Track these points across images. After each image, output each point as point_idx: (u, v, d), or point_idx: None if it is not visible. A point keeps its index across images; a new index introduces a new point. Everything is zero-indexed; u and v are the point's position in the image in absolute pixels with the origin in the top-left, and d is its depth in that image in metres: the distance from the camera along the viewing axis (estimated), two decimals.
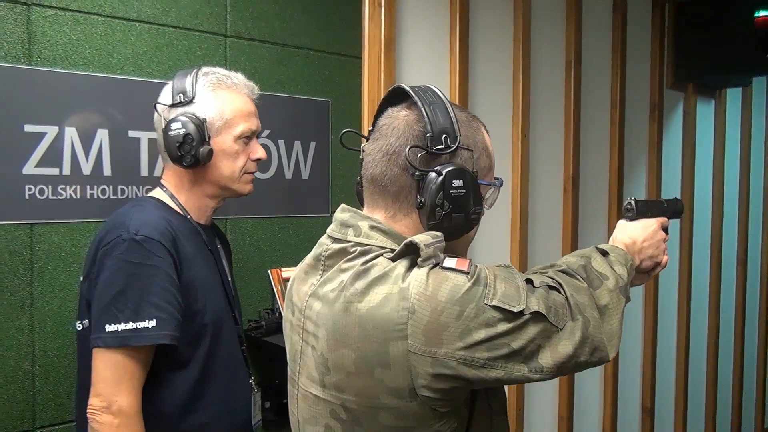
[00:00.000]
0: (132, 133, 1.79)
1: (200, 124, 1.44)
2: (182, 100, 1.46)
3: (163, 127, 1.45)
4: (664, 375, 3.59)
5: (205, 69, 1.52)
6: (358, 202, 1.13)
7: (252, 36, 1.99)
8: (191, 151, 1.42)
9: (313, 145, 2.13)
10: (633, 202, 1.34)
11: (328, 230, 1.07)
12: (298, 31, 2.08)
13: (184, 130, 1.42)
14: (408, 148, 0.98)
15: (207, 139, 1.45)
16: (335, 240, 1.03)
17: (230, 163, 1.50)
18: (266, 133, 2.03)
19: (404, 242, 0.95)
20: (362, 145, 1.08)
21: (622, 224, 1.33)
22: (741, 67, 3.40)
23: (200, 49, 1.89)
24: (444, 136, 0.98)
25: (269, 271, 2.04)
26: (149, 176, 1.82)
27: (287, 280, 2.05)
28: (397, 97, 1.05)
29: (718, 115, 3.83)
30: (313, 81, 2.12)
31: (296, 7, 2.07)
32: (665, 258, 1.33)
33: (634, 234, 1.28)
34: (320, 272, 1.03)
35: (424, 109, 0.99)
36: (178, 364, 1.41)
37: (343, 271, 0.98)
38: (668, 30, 3.43)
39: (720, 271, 3.92)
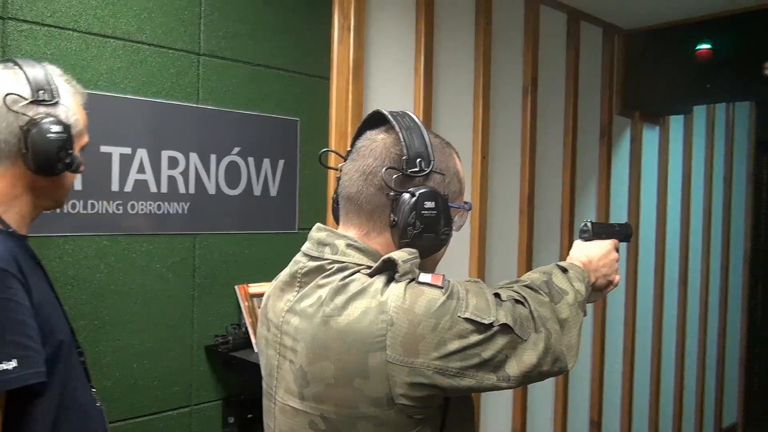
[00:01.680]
0: (104, 149, 1.81)
1: (69, 129, 1.26)
2: (45, 98, 1.25)
3: (23, 124, 1.22)
4: (611, 390, 3.71)
5: (45, 64, 1.31)
6: (325, 220, 1.18)
7: (224, 55, 2.03)
8: (66, 158, 1.25)
9: (281, 162, 2.18)
10: (589, 225, 1.43)
11: (304, 248, 1.10)
12: (269, 52, 2.13)
13: (65, 134, 1.23)
14: (384, 169, 1.03)
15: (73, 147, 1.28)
16: (312, 258, 1.07)
17: (74, 175, 1.34)
18: (236, 150, 2.07)
19: (382, 259, 0.99)
20: (339, 164, 1.13)
21: (578, 244, 1.40)
22: (683, 96, 3.56)
23: (173, 66, 1.93)
24: (419, 159, 1.04)
25: (236, 287, 2.07)
26: (120, 191, 1.84)
27: (254, 295, 2.08)
28: (375, 120, 1.11)
29: (662, 141, 4.01)
30: (283, 100, 2.17)
31: (268, 28, 2.13)
32: (617, 277, 1.41)
33: (591, 253, 1.35)
34: (296, 289, 1.06)
35: (402, 133, 1.04)
36: (35, 395, 1.19)
37: (321, 287, 1.02)
38: (617, 60, 3.60)
39: (663, 290, 4.09)
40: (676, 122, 4.13)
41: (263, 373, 1.14)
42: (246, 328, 2.05)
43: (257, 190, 2.13)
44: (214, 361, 2.05)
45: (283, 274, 1.12)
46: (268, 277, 2.09)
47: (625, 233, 1.48)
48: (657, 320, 4.05)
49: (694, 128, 4.31)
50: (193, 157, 1.98)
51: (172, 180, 1.94)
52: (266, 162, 2.14)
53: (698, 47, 3.26)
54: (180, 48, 1.94)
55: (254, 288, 2.09)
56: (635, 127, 3.75)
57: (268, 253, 2.15)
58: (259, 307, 2.05)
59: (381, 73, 2.39)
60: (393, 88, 2.44)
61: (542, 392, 3.22)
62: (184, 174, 1.96)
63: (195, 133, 1.98)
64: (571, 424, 3.41)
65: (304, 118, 2.22)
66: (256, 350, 2.00)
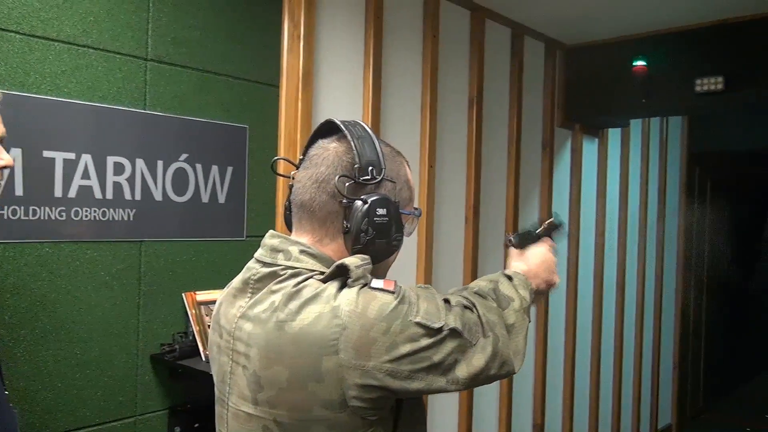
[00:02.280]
0: (47, 153, 1.77)
1: None
2: None
3: None
4: (553, 393, 3.82)
5: None
6: (274, 227, 1.20)
7: (173, 61, 2.02)
8: None
9: (230, 170, 2.17)
10: (512, 239, 1.44)
11: (257, 255, 1.11)
12: (218, 59, 2.13)
13: None
14: (337, 177, 1.05)
15: None
16: (265, 264, 1.08)
17: None
18: (184, 156, 2.05)
19: (335, 264, 1.02)
20: (292, 172, 1.14)
21: (516, 253, 1.43)
22: (620, 110, 3.71)
23: (120, 71, 1.90)
24: (370, 168, 1.06)
25: (184, 294, 2.05)
26: (63, 197, 1.80)
27: (202, 303, 2.07)
28: (327, 129, 1.13)
29: (600, 153, 4.16)
30: (232, 107, 2.17)
31: (218, 34, 2.13)
32: (557, 278, 1.46)
33: (529, 261, 1.38)
34: (249, 295, 1.07)
35: (354, 142, 1.07)
36: None
37: (274, 292, 1.03)
38: (559, 74, 3.72)
39: (602, 295, 4.23)
40: (614, 135, 4.29)
41: (215, 379, 1.15)
42: (193, 336, 2.03)
43: (205, 197, 2.11)
44: (159, 370, 2.02)
45: (236, 281, 1.13)
46: (216, 285, 2.08)
47: (552, 230, 1.48)
48: (596, 325, 4.18)
49: (630, 141, 4.48)
50: (140, 163, 1.96)
51: (117, 186, 1.91)
52: (214, 169, 2.13)
53: (635, 63, 3.39)
54: (127, 53, 1.92)
55: (202, 295, 2.08)
56: (576, 138, 3.88)
57: (216, 260, 2.14)
58: (207, 315, 2.03)
59: (330, 82, 2.42)
60: (342, 98, 2.47)
61: (487, 396, 3.29)
62: (130, 180, 1.94)
63: (142, 139, 1.96)
64: (515, 427, 3.49)
65: (253, 125, 2.23)
66: (203, 358, 1.98)
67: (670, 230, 5.15)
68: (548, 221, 1.51)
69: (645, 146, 4.70)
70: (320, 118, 1.16)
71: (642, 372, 4.78)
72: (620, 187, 4.41)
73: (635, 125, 4.52)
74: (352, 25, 2.50)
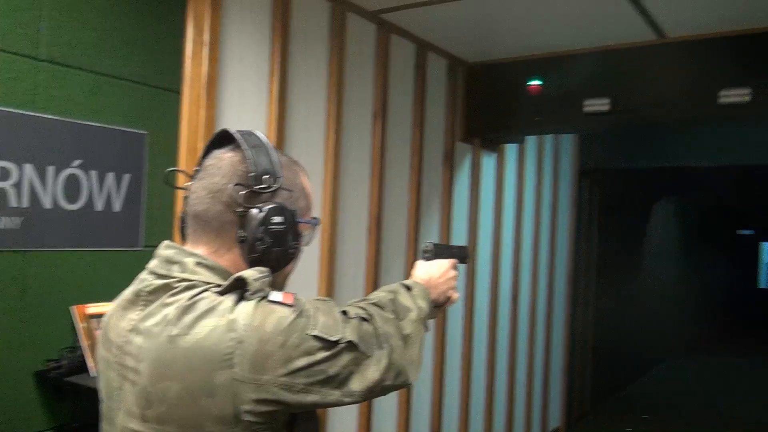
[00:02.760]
0: None
1: None
2: None
3: None
4: (450, 402, 3.92)
5: None
6: (173, 237, 1.17)
7: (67, 62, 1.93)
8: None
9: (127, 177, 2.09)
10: (431, 246, 1.53)
11: (150, 266, 1.08)
12: (117, 62, 2.05)
13: None
14: (232, 186, 1.04)
15: None
16: (159, 276, 1.05)
17: None
18: (77, 162, 1.96)
19: (233, 277, 1.00)
20: (186, 183, 1.12)
21: (420, 263, 1.48)
22: (517, 127, 3.87)
23: (8, 71, 1.80)
24: (266, 176, 1.06)
25: (72, 308, 1.96)
26: None
27: (93, 316, 1.98)
28: (222, 139, 1.12)
29: (498, 167, 4.33)
30: (131, 112, 2.10)
31: (117, 37, 2.05)
32: (456, 294, 1.52)
33: (431, 272, 1.43)
34: (141, 308, 1.04)
35: (248, 151, 1.06)
36: None
37: (167, 305, 1.01)
38: (460, 90, 3.84)
39: (497, 305, 4.39)
40: (511, 150, 4.48)
41: (102, 396, 1.10)
42: (82, 352, 1.94)
43: (99, 205, 2.03)
44: (44, 387, 1.91)
45: (126, 293, 1.09)
46: (110, 297, 1.98)
47: (463, 255, 1.59)
48: (491, 333, 4.33)
49: (526, 156, 4.69)
50: (28, 168, 1.85)
51: (2, 192, 1.80)
52: (110, 176, 2.05)
53: (530, 83, 3.56)
54: (16, 51, 1.82)
55: (93, 308, 1.99)
56: (475, 153, 4.02)
57: (109, 271, 2.06)
58: (98, 329, 1.94)
59: (235, 90, 2.39)
60: (247, 107, 2.44)
61: (386, 405, 3.33)
62: (17, 186, 1.83)
63: (30, 143, 1.86)
64: None
65: (153, 132, 2.16)
66: (93, 374, 1.90)
67: (560, 243, 5.42)
68: (464, 246, 1.60)
69: (539, 162, 4.94)
70: (223, 126, 1.14)
71: (533, 378, 4.98)
72: (516, 201, 4.60)
73: (530, 141, 4.73)
74: (258, 35, 2.48)
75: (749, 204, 11.61)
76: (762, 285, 15.98)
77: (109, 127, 2.04)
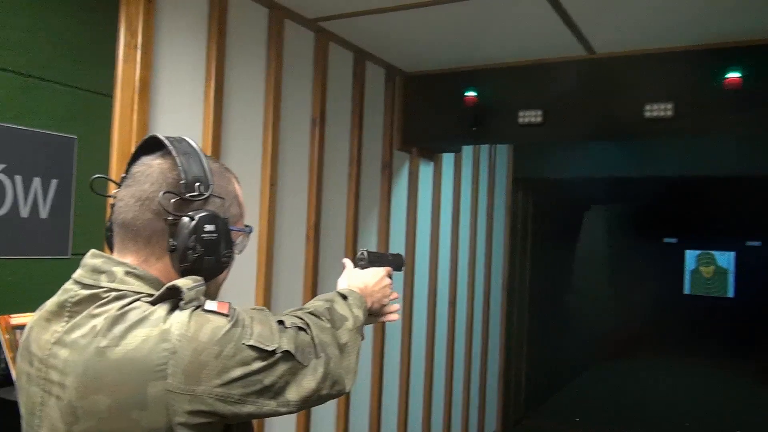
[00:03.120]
0: None
1: None
2: None
3: None
4: (388, 410, 3.93)
5: None
6: (103, 244, 1.14)
7: None
8: None
9: (54, 182, 2.02)
10: (366, 253, 1.53)
11: (76, 276, 1.05)
12: (45, 63, 1.98)
13: None
14: (162, 193, 1.02)
15: None
16: (85, 286, 1.02)
17: None
18: (1, 167, 1.89)
19: (166, 286, 0.99)
20: (113, 191, 1.10)
21: (355, 271, 1.50)
22: (453, 136, 3.94)
23: None
24: (197, 184, 1.04)
25: None
26: None
27: (18, 327, 1.90)
28: (151, 145, 1.09)
29: (435, 176, 4.39)
30: (59, 116, 2.03)
31: (46, 38, 1.98)
32: (395, 315, 1.53)
33: (366, 280, 1.45)
34: (66, 319, 1.01)
35: (179, 158, 1.05)
36: None
37: (95, 316, 0.98)
38: (398, 99, 3.89)
39: (435, 311, 4.44)
40: (447, 159, 4.55)
41: (23, 411, 1.06)
42: (6, 364, 1.86)
43: (24, 212, 1.95)
44: None
45: (49, 304, 1.05)
46: (36, 307, 1.92)
47: (397, 263, 1.61)
48: (429, 339, 4.37)
49: (462, 165, 4.78)
50: None
51: None
52: (36, 181, 1.98)
53: (466, 94, 3.62)
54: None
55: (17, 319, 1.90)
56: (413, 162, 4.07)
57: (36, 280, 1.97)
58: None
59: (169, 94, 2.34)
60: (182, 112, 2.40)
61: (325, 412, 3.31)
62: None
63: None
64: None
65: (83, 136, 2.09)
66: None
67: (496, 250, 5.53)
68: (398, 254, 1.61)
69: (475, 171, 5.03)
70: (157, 131, 1.12)
71: (471, 383, 5.06)
72: (453, 210, 4.67)
73: (467, 151, 4.83)
74: (193, 39, 2.45)
75: (674, 213, 12.15)
76: (687, 291, 16.71)
77: (36, 130, 1.97)
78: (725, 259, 16.31)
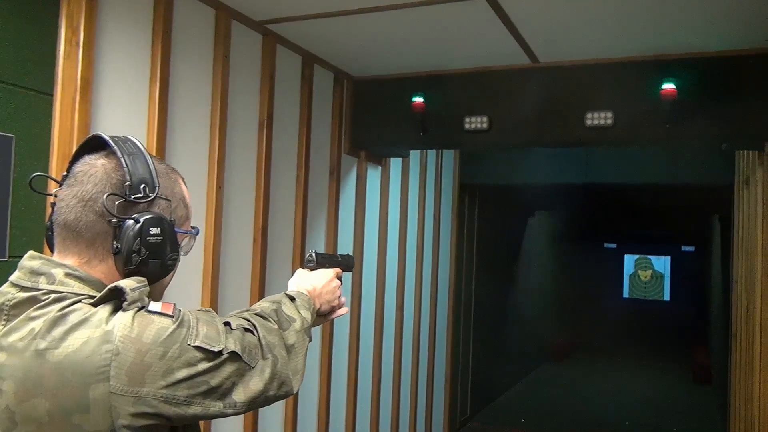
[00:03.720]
0: None
1: None
2: None
3: None
4: (336, 415, 3.92)
5: None
6: (42, 247, 1.12)
7: None
8: None
9: None
10: (314, 255, 1.54)
11: (13, 278, 1.02)
12: None
13: None
14: (105, 195, 1.01)
15: None
16: (23, 288, 0.99)
17: None
18: None
19: (108, 287, 0.97)
20: (54, 190, 1.07)
21: (302, 273, 1.50)
22: (401, 141, 3.98)
23: None
24: (143, 185, 1.03)
25: None
26: None
27: None
28: (94, 145, 1.07)
29: (383, 180, 4.42)
30: None
31: None
32: (344, 309, 1.54)
33: (315, 281, 1.45)
34: (2, 323, 0.98)
35: (124, 158, 1.03)
36: None
37: (33, 319, 0.96)
38: (346, 104, 3.90)
39: (383, 316, 4.46)
40: (395, 163, 4.59)
41: None
42: None
43: None
44: None
45: None
46: None
47: (347, 264, 1.62)
48: (377, 344, 4.39)
49: (410, 170, 4.83)
50: None
51: None
52: None
53: (414, 99, 3.66)
54: None
55: None
56: (361, 166, 4.08)
57: None
58: None
59: (112, 94, 2.29)
60: (125, 111, 2.35)
61: (272, 419, 3.28)
62: None
63: None
64: None
65: (21, 135, 2.03)
66: None
67: (443, 254, 5.60)
68: (348, 254, 1.62)
69: (423, 176, 5.09)
70: (99, 131, 1.10)
71: (418, 387, 5.10)
72: (400, 214, 4.71)
73: (414, 156, 4.88)
74: (137, 37, 2.40)
75: (613, 219, 12.55)
76: (625, 295, 17.26)
77: None
78: (661, 263, 16.95)
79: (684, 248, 15.94)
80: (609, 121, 3.29)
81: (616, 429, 6.49)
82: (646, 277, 17.06)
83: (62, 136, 2.10)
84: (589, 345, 12.19)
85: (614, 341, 12.98)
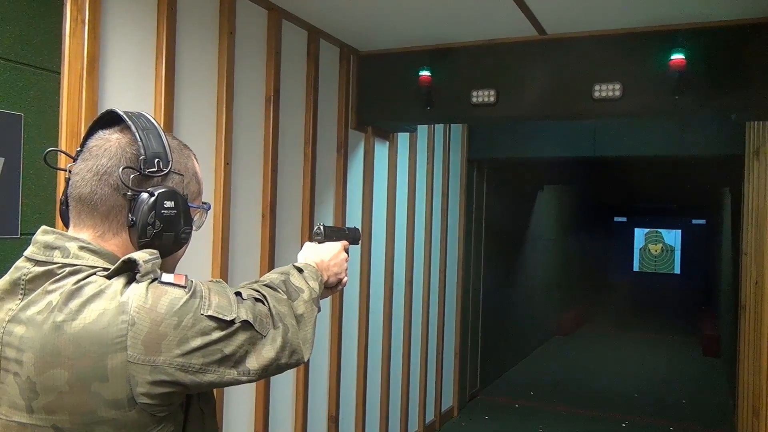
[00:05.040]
0: None
1: None
2: None
3: None
4: (346, 385, 3.98)
5: None
6: (54, 223, 1.13)
7: None
8: None
9: (1, 161, 1.97)
10: (322, 228, 1.56)
11: (28, 253, 1.04)
12: None
13: None
14: (121, 169, 1.03)
15: None
16: (38, 263, 1.01)
17: None
18: None
19: (122, 259, 0.99)
20: (68, 165, 1.09)
21: (311, 246, 1.51)
22: (408, 116, 3.97)
23: None
24: (157, 160, 1.05)
25: None
26: None
27: None
28: (109, 120, 1.09)
29: (390, 155, 4.41)
30: (4, 93, 1.97)
31: None
32: (346, 277, 1.56)
33: (323, 254, 1.47)
34: (20, 297, 1.00)
35: (138, 133, 1.05)
36: None
37: (50, 292, 0.98)
38: (353, 79, 3.89)
39: (392, 290, 4.50)
40: (402, 138, 4.58)
41: None
42: None
43: None
44: None
45: (2, 282, 1.04)
46: None
47: (354, 236, 1.64)
48: (386, 319, 4.43)
49: (417, 145, 4.82)
50: None
51: None
52: None
53: (420, 73, 3.64)
54: None
55: None
56: (368, 141, 4.08)
57: None
58: None
59: (119, 71, 2.30)
60: (132, 89, 2.36)
61: (283, 388, 3.34)
62: None
63: None
64: (311, 419, 3.58)
65: (30, 113, 2.05)
66: None
67: (451, 230, 5.61)
68: (355, 227, 1.64)
69: (430, 150, 5.08)
70: (106, 108, 1.11)
71: (428, 361, 5.14)
72: (408, 189, 4.71)
73: (422, 130, 4.87)
74: (142, 14, 2.40)
75: (623, 193, 12.49)
76: (635, 268, 17.26)
77: None
78: (672, 236, 16.90)
79: (694, 221, 15.88)
80: (617, 93, 3.27)
81: (625, 401, 6.53)
82: (656, 251, 17.04)
83: (70, 114, 2.12)
84: (599, 319, 12.23)
85: (624, 315, 13.00)
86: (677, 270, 16.86)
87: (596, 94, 3.30)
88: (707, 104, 3.24)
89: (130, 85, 2.36)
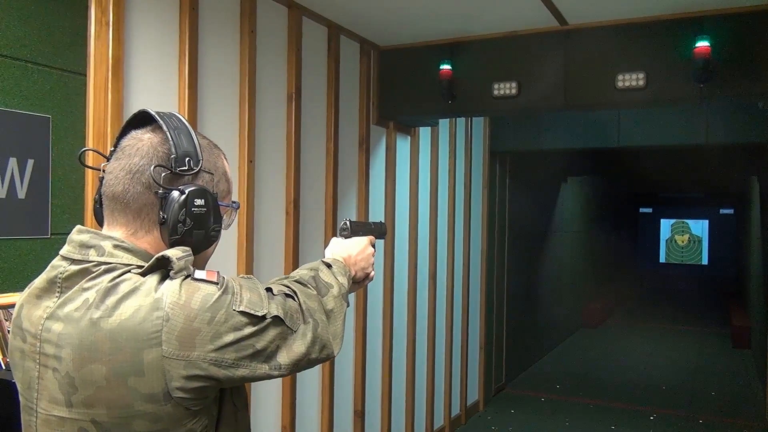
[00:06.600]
0: None
1: None
2: None
3: None
4: (372, 380, 3.99)
5: None
6: (82, 223, 1.15)
7: None
8: None
9: (30, 162, 2.01)
10: (348, 223, 1.56)
11: (63, 252, 1.06)
12: (15, 42, 1.96)
13: None
14: (152, 167, 1.04)
15: None
16: (74, 261, 1.03)
17: None
18: None
19: (155, 257, 1.01)
20: (102, 164, 1.11)
21: (337, 241, 1.52)
22: (429, 110, 3.96)
23: None
24: (187, 158, 1.06)
25: None
26: None
27: (0, 307, 1.90)
28: (141, 120, 1.11)
29: (412, 150, 4.41)
30: (32, 95, 2.01)
31: (14, 16, 1.96)
32: (373, 272, 1.57)
33: (350, 249, 1.48)
34: (57, 294, 1.02)
35: (169, 133, 1.06)
36: None
37: (86, 290, 1.00)
38: (374, 74, 3.89)
39: (416, 284, 4.50)
40: (424, 133, 4.57)
41: (20, 387, 1.08)
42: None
43: (1, 193, 1.94)
44: None
45: (39, 281, 1.07)
46: (17, 287, 1.93)
47: (380, 231, 1.64)
48: (411, 313, 4.43)
49: (439, 139, 4.81)
50: None
51: None
52: (12, 161, 1.97)
53: (441, 67, 3.63)
54: None
55: (1, 299, 1.91)
56: (390, 136, 4.08)
57: (15, 260, 1.98)
58: (6, 320, 1.87)
59: (143, 72, 2.33)
60: (156, 88, 2.39)
61: (310, 383, 3.36)
62: None
63: None
64: (337, 416, 3.60)
65: (58, 115, 2.08)
66: (3, 366, 1.82)
67: (474, 223, 5.59)
68: (380, 222, 1.64)
69: (452, 144, 5.06)
70: (132, 109, 1.13)
71: (453, 355, 5.14)
72: (431, 183, 4.70)
73: (443, 124, 4.85)
74: (165, 15, 2.43)
75: (648, 183, 12.34)
76: (662, 260, 17.03)
77: (9, 110, 1.95)
78: (699, 227, 16.65)
79: (722, 210, 15.63)
80: (641, 83, 3.23)
81: (654, 394, 6.46)
82: (683, 242, 16.80)
83: (97, 115, 2.15)
84: (625, 311, 12.11)
85: (651, 307, 12.86)
86: (705, 261, 16.61)
87: (620, 83, 3.26)
88: (733, 92, 3.19)
89: (154, 86, 2.39)
